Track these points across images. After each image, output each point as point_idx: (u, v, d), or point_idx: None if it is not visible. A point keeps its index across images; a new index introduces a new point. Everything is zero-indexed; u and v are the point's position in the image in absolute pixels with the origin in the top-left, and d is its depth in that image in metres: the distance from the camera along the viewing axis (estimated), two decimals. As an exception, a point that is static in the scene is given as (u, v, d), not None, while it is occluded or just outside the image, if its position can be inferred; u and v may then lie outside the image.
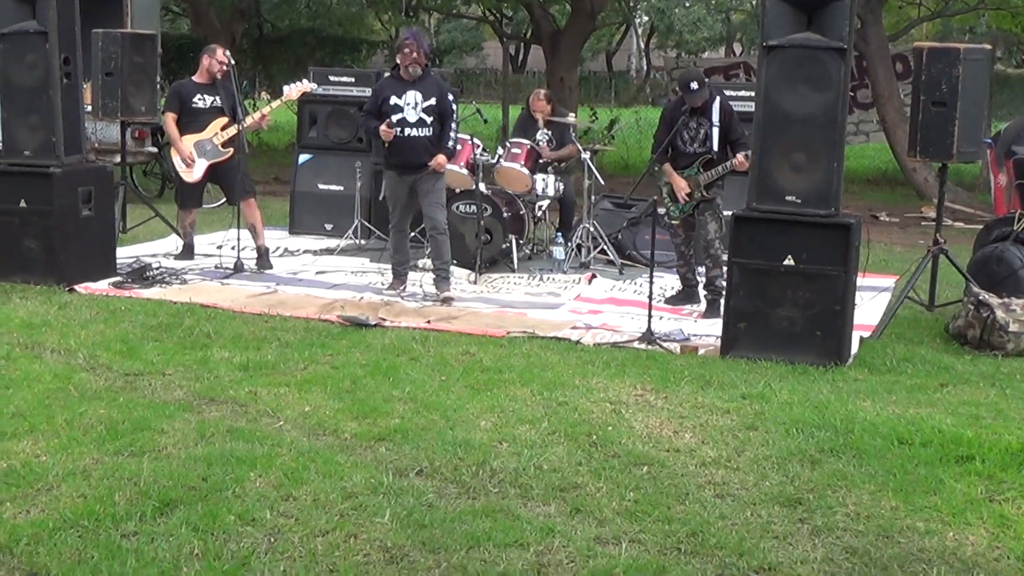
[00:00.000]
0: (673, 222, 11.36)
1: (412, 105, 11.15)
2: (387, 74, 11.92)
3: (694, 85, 10.87)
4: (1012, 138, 15.98)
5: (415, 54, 11.11)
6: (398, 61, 11.34)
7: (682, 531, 5.80)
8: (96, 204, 12.06)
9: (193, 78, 13.32)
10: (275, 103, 14.15)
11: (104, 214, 12.33)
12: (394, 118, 11.13)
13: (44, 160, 11.71)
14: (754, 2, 33.03)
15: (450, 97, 11.53)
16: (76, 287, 11.51)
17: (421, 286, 12.01)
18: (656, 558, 5.50)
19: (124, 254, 13.15)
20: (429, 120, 11.25)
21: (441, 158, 11.36)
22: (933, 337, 10.39)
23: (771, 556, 5.55)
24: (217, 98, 13.11)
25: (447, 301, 11.39)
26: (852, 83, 9.53)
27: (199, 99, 13.07)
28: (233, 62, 13.07)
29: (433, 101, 11.24)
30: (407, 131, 11.16)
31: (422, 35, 11.63)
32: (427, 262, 12.62)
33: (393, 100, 11.20)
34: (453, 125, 11.53)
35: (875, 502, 6.27)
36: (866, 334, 10.31)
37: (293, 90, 13.41)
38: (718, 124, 11.01)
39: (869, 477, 6.63)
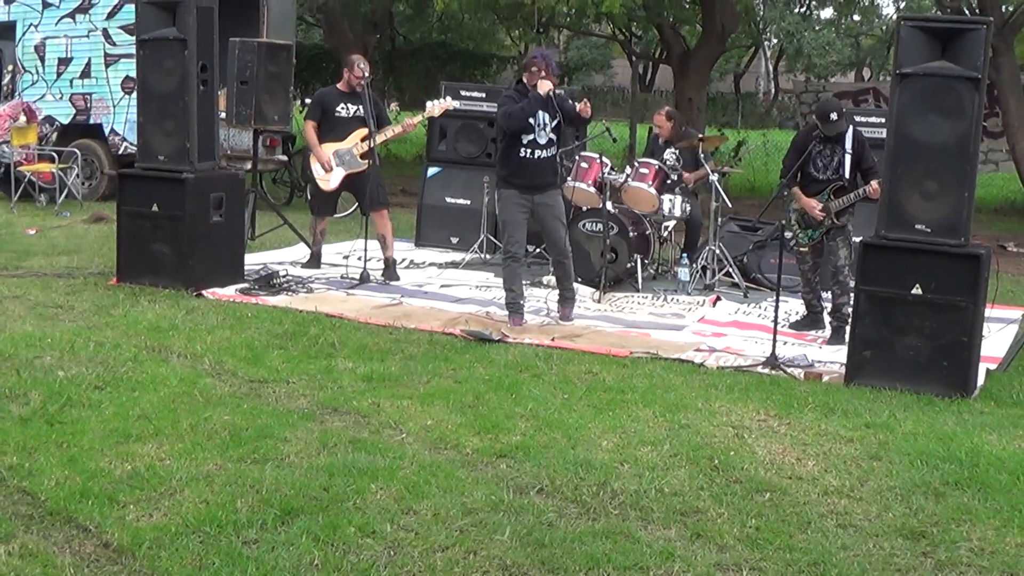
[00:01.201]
0: (802, 248, 11.29)
1: (542, 126, 11.00)
2: (509, 89, 11.68)
3: (833, 116, 10.82)
4: None
5: (543, 72, 10.93)
6: (524, 79, 11.17)
7: (803, 560, 5.74)
8: (226, 210, 12.21)
9: (337, 86, 13.46)
10: (417, 118, 14.17)
11: (234, 220, 12.48)
12: (524, 139, 10.98)
13: (178, 165, 11.87)
14: (884, 27, 32.77)
15: (569, 101, 11.30)
16: (204, 292, 11.66)
17: (546, 302, 12.00)
18: (776, 587, 5.47)
19: (252, 261, 13.29)
20: (556, 139, 11.17)
21: (584, 105, 11.22)
22: (1062, 372, 10.22)
23: (894, 589, 5.49)
24: (360, 107, 13.21)
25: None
26: (983, 112, 9.40)
27: (342, 108, 13.22)
28: (367, 74, 13.17)
29: (558, 119, 11.13)
30: (537, 153, 11.00)
31: (551, 55, 11.53)
32: (551, 279, 12.64)
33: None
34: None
35: (1000, 538, 6.17)
36: (992, 366, 10.15)
37: (436, 107, 13.47)
38: (851, 152, 10.96)
39: (994, 512, 6.53)
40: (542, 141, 11.01)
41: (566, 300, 11.52)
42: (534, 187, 11.07)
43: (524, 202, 11.10)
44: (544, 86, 10.85)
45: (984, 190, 25.58)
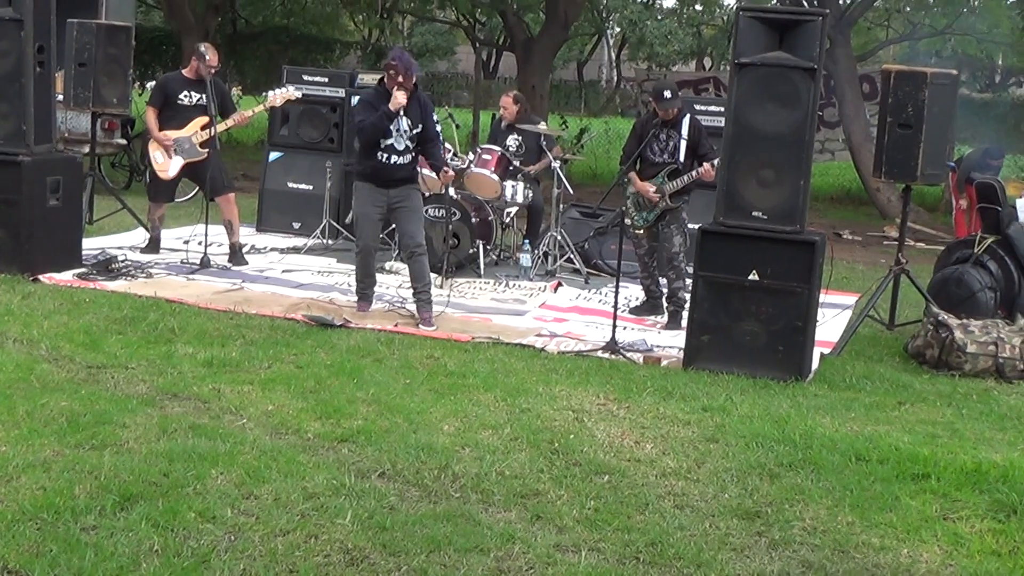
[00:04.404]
0: (637, 231, 11.45)
1: (401, 132, 10.76)
2: (369, 91, 11.43)
3: (667, 94, 11.06)
4: (972, 166, 16.47)
5: (400, 77, 10.60)
6: (385, 81, 10.82)
7: (641, 541, 5.84)
8: (64, 194, 11.98)
9: (183, 72, 13.28)
10: (258, 108, 13.97)
11: (71, 205, 12.25)
12: (382, 143, 10.72)
13: (13, 148, 11.61)
14: (725, 18, 33.17)
15: (434, 118, 11.26)
16: (40, 277, 11.45)
17: (387, 288, 11.99)
18: (615, 567, 5.54)
19: (90, 245, 13.08)
20: (413, 146, 10.89)
21: (450, 172, 11.26)
22: (892, 356, 10.48)
23: (728, 568, 5.59)
24: (203, 96, 13.04)
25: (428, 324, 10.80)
26: (819, 102, 9.61)
27: (185, 96, 13.01)
28: (218, 63, 13.03)
29: (419, 128, 10.89)
30: (393, 158, 10.75)
31: (410, 58, 11.20)
32: (395, 264, 12.66)
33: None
34: (440, 147, 11.42)
35: (832, 517, 6.34)
36: (827, 351, 10.39)
37: (277, 97, 13.35)
38: (686, 137, 11.17)
39: (826, 492, 6.69)
40: (399, 147, 10.76)
41: (423, 303, 10.93)
42: (390, 184, 10.89)
43: (380, 196, 10.89)
44: (396, 102, 10.58)
45: (821, 179, 26.12)
